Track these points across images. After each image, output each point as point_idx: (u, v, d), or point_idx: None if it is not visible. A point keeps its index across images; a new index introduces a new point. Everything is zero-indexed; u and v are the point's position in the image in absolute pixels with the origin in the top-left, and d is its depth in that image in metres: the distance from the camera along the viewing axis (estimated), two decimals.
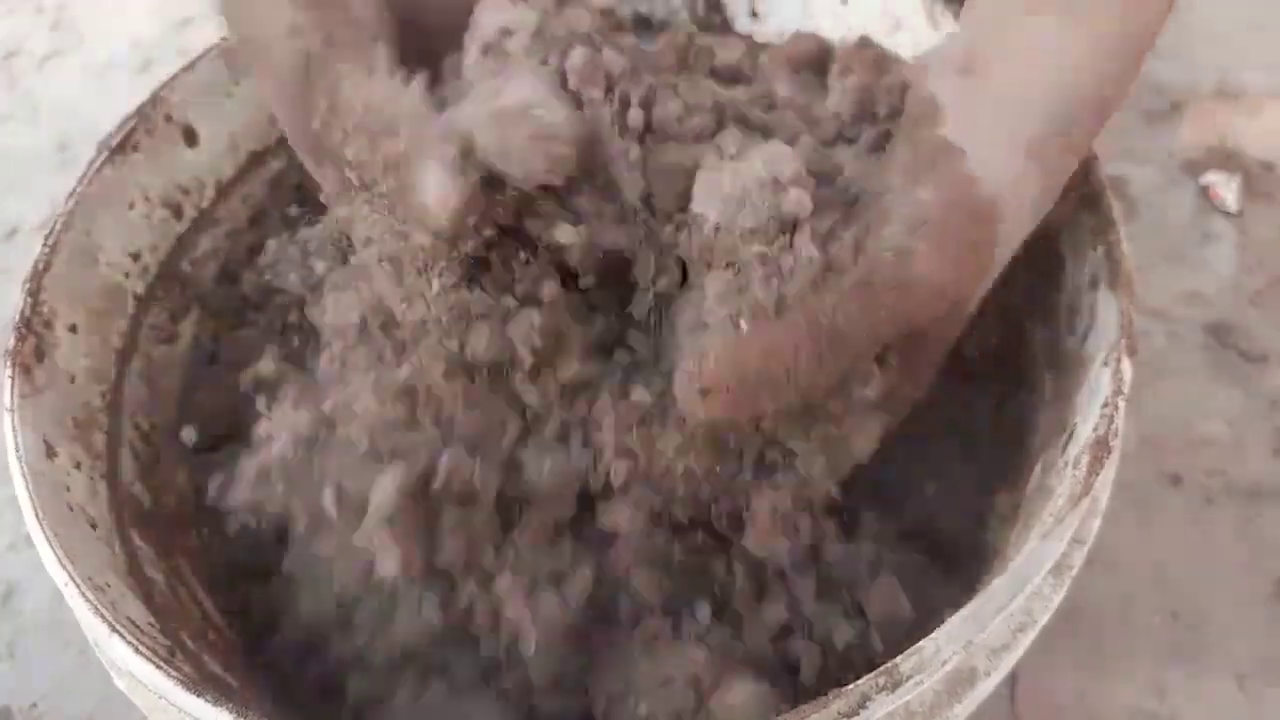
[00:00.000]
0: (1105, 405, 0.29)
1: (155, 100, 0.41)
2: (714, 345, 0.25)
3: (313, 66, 0.28)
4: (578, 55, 0.27)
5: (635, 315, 0.29)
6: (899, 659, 0.25)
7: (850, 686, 0.25)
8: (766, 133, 0.29)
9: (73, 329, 0.36)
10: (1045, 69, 0.27)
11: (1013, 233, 0.29)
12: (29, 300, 0.35)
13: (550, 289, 0.27)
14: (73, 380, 0.36)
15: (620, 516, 0.28)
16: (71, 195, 0.38)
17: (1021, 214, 0.28)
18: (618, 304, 0.29)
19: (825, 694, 0.24)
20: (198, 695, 0.26)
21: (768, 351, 0.25)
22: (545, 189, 0.26)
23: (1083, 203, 0.35)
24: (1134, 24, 0.27)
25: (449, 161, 0.25)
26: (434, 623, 0.30)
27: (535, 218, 0.27)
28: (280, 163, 0.45)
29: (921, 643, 0.26)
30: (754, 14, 0.46)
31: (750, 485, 0.29)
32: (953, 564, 0.35)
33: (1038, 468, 0.34)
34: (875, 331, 0.26)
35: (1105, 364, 0.31)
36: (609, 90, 0.27)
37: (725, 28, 0.45)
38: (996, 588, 0.27)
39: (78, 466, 0.34)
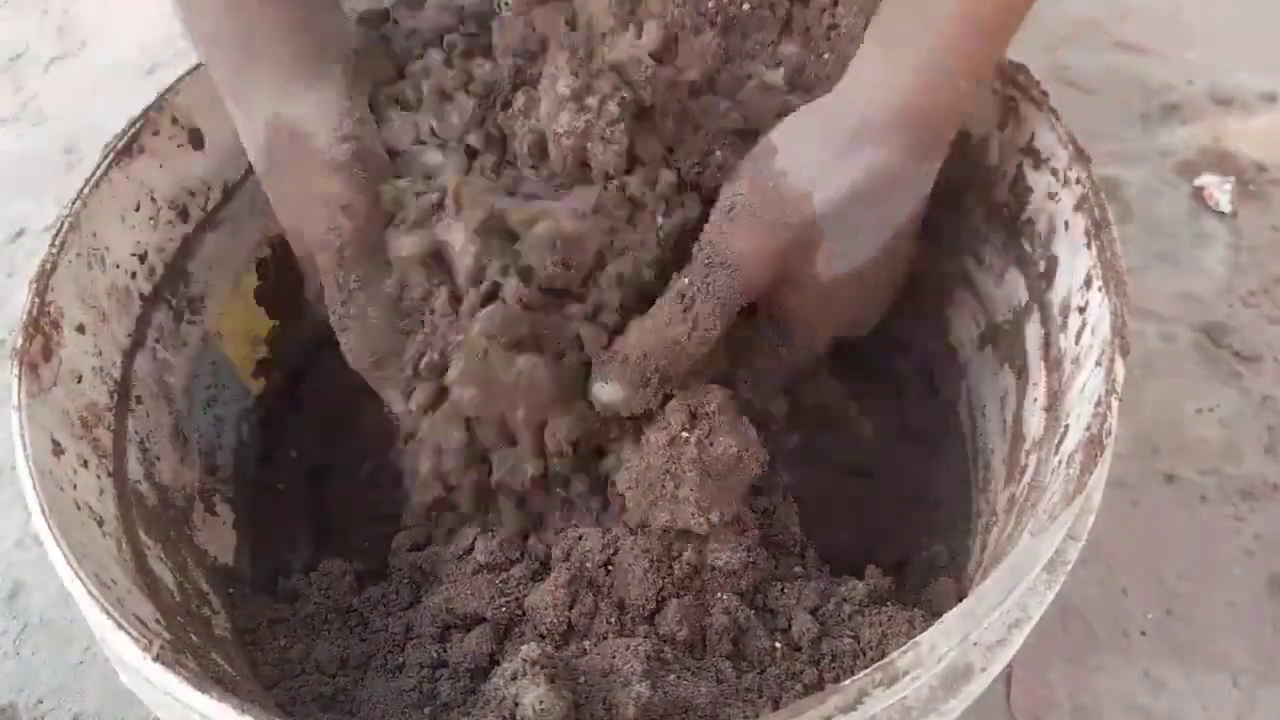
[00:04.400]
0: (1098, 404, 0.30)
1: (161, 102, 0.41)
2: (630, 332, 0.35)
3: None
4: None
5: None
6: (895, 655, 0.26)
7: (847, 683, 0.25)
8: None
9: (80, 329, 0.37)
10: (858, 85, 0.34)
11: (837, 216, 0.35)
12: (36, 300, 0.35)
13: None
14: (79, 379, 0.36)
15: None
16: (78, 197, 0.38)
17: (838, 204, 0.34)
18: None
19: None
20: (203, 692, 0.26)
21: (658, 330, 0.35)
22: None
23: (1077, 205, 0.36)
24: (939, 49, 0.32)
25: None
26: None
27: None
28: None
29: (918, 638, 0.26)
30: None
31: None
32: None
33: (1032, 465, 0.35)
34: (722, 294, 0.34)
35: (1099, 364, 0.31)
36: None
37: None
38: (991, 584, 0.27)
39: (84, 465, 0.34)
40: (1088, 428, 0.29)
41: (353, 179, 0.37)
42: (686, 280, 0.34)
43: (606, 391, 0.34)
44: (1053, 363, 0.36)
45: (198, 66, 0.43)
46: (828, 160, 0.34)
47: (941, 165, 0.35)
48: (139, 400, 0.39)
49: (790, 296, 0.37)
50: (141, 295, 0.40)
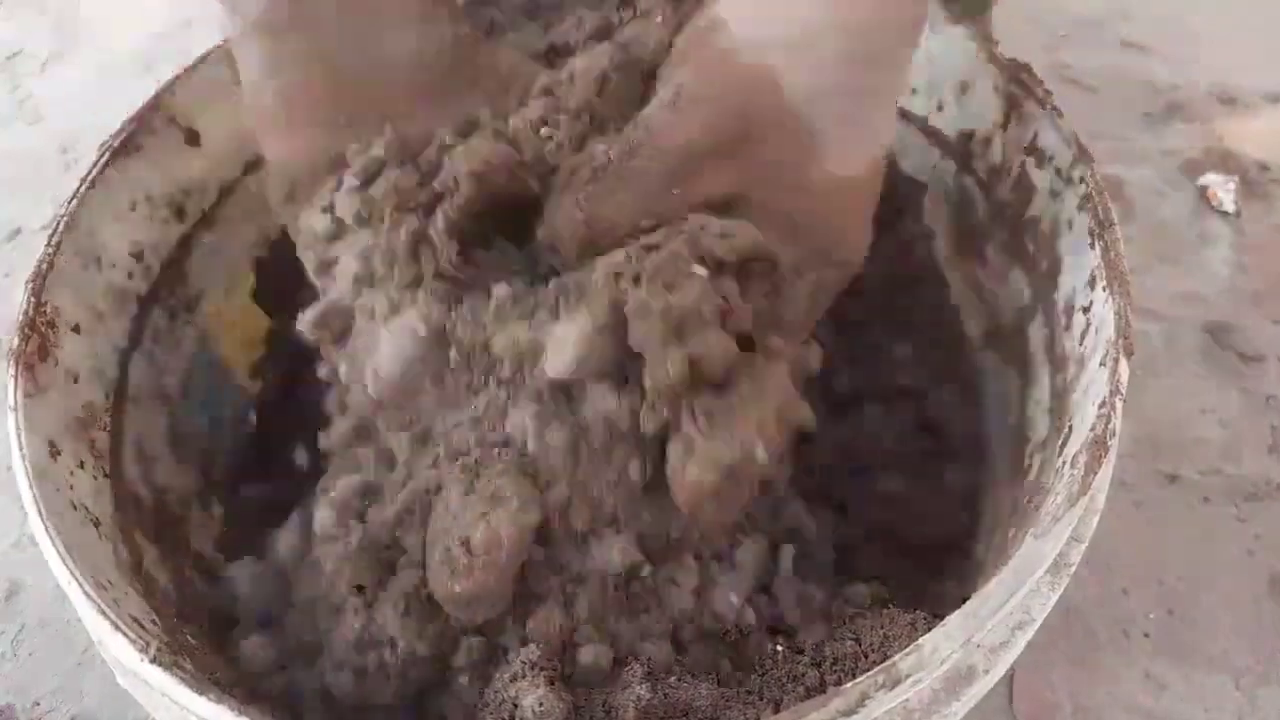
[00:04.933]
0: (1102, 405, 0.29)
1: (158, 102, 0.41)
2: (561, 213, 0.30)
3: None
4: None
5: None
6: (898, 657, 0.25)
7: (849, 685, 0.25)
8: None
9: (76, 329, 0.36)
10: None
11: (827, 93, 0.29)
12: (32, 300, 0.35)
13: None
14: (76, 380, 0.36)
15: None
16: (74, 196, 0.38)
17: (828, 78, 0.29)
18: None
19: None
20: (199, 693, 0.26)
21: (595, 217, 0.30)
22: None
23: (1080, 204, 0.35)
24: None
25: None
26: None
27: None
28: None
29: (920, 640, 0.26)
30: None
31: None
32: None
33: (1035, 466, 0.35)
34: (648, 188, 0.29)
35: (1102, 364, 0.31)
36: None
37: None
38: (995, 586, 0.27)
39: (81, 465, 0.34)
40: (1092, 428, 0.29)
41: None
42: (606, 161, 0.29)
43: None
44: (1056, 363, 0.36)
45: (194, 66, 0.42)
46: (802, 25, 0.28)
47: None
48: (135, 401, 0.39)
49: (793, 200, 0.30)
50: (138, 295, 0.40)
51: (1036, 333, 0.38)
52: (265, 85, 0.32)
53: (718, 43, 0.29)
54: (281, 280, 0.45)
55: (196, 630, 0.33)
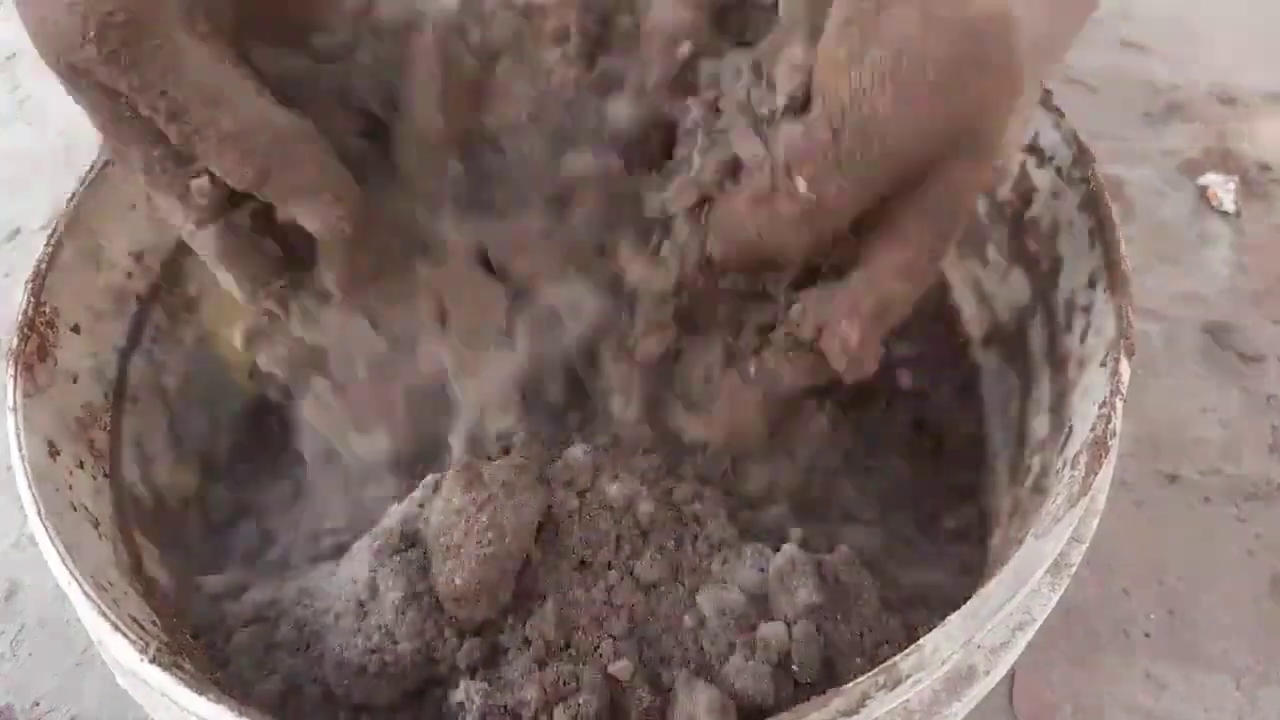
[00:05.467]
0: (1103, 405, 0.29)
1: None
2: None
3: None
4: None
5: None
6: (898, 658, 0.25)
7: (850, 685, 0.25)
8: None
9: (75, 329, 0.36)
10: None
11: (1044, 42, 0.24)
12: (32, 300, 0.35)
13: None
14: (75, 380, 0.36)
15: None
16: (74, 196, 0.38)
17: (1045, 20, 0.24)
18: None
19: None
20: (199, 693, 0.26)
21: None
22: None
23: (1081, 204, 0.35)
24: None
25: None
26: None
27: None
28: None
29: (921, 641, 0.26)
30: None
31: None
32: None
33: (1036, 467, 0.35)
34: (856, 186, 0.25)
35: (1103, 364, 0.31)
36: None
37: None
38: (995, 586, 0.27)
39: (80, 466, 0.34)
40: (1092, 429, 0.29)
41: None
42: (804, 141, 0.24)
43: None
44: (1057, 363, 0.36)
45: None
46: None
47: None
48: (135, 401, 0.39)
49: (967, 174, 0.25)
50: (137, 295, 0.40)
51: (1037, 333, 0.38)
52: None
53: None
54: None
55: (194, 629, 0.33)
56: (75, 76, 0.26)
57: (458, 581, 0.29)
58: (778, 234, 0.26)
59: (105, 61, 0.25)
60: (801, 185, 0.25)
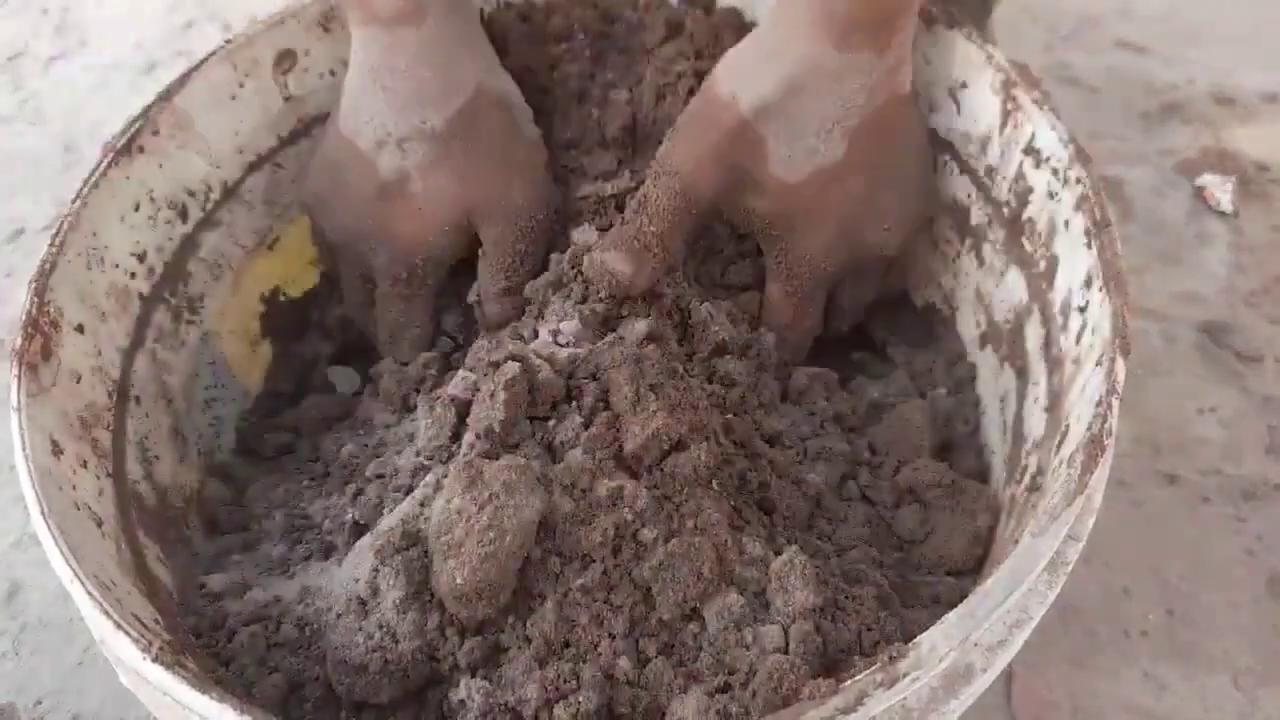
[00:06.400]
0: (1099, 404, 0.29)
1: (160, 102, 0.41)
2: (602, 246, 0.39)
3: None
4: None
5: None
6: (896, 656, 0.25)
7: (848, 683, 0.25)
8: None
9: (79, 329, 0.36)
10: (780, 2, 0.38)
11: (772, 112, 0.38)
12: (35, 300, 0.35)
13: None
14: (79, 380, 0.36)
15: None
16: (77, 196, 0.38)
17: (771, 100, 0.38)
18: None
19: None
20: (202, 692, 0.26)
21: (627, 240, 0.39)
22: None
23: (1078, 204, 0.36)
24: None
25: None
26: None
27: None
28: (280, 165, 0.46)
29: (918, 639, 0.26)
30: None
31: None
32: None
33: (1032, 465, 0.35)
34: (663, 209, 0.39)
35: (1099, 364, 0.31)
36: None
37: None
38: (992, 584, 0.27)
39: (84, 465, 0.34)
40: (1089, 428, 0.29)
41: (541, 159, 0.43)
42: (641, 190, 0.39)
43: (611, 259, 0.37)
44: (1053, 362, 0.36)
45: (196, 66, 0.43)
46: (752, 64, 0.38)
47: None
48: (138, 400, 0.39)
49: (759, 201, 0.40)
50: (141, 295, 0.40)
51: (1034, 332, 0.38)
52: None
53: (706, 84, 0.40)
54: (287, 314, 0.47)
55: (196, 628, 0.33)
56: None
57: (459, 580, 0.29)
58: None
59: (533, 232, 0.42)
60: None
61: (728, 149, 0.38)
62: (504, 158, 0.41)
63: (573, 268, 0.39)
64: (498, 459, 0.31)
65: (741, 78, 0.38)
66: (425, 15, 0.40)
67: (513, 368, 0.33)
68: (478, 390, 0.34)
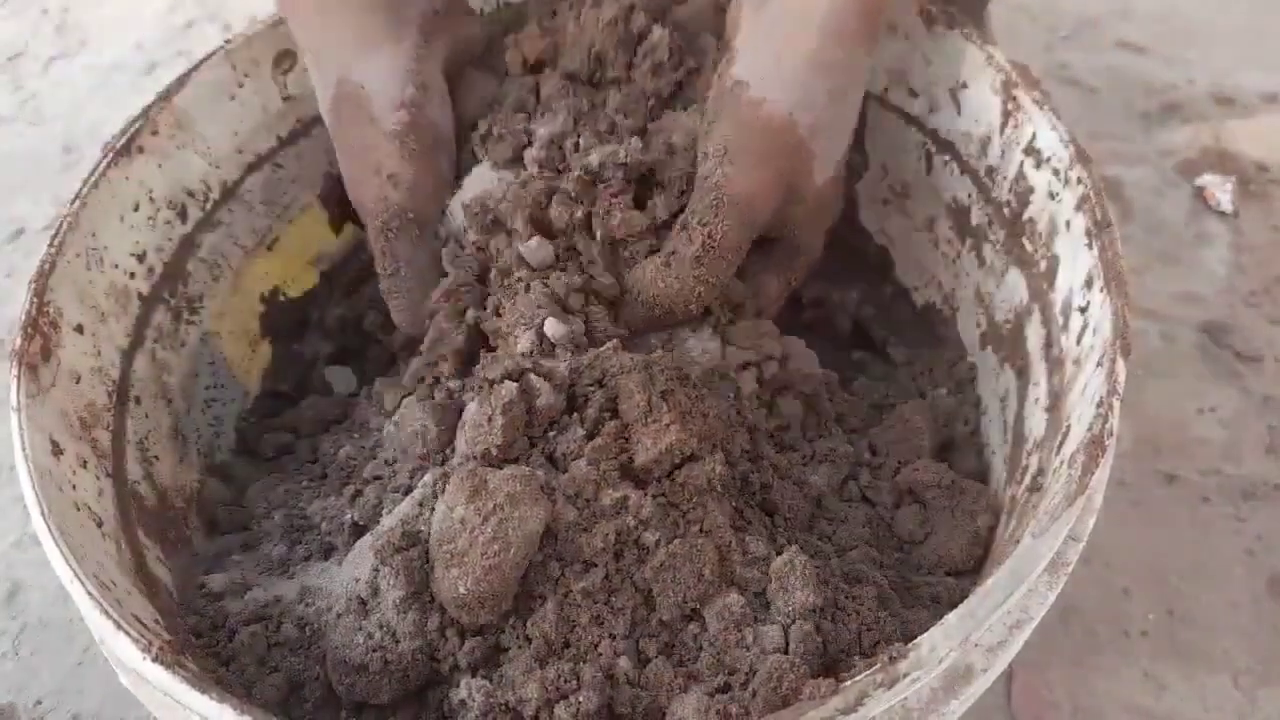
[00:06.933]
0: (1100, 405, 0.29)
1: (160, 102, 0.41)
2: (643, 277, 0.37)
3: None
4: None
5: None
6: (896, 656, 0.25)
7: (848, 684, 0.25)
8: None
9: (78, 329, 0.36)
10: None
11: (821, 126, 0.38)
12: (35, 300, 0.35)
13: None
14: (78, 380, 0.36)
15: None
16: (77, 196, 0.38)
17: (820, 114, 0.37)
18: None
19: None
20: (202, 692, 0.26)
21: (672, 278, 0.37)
22: None
23: (1078, 204, 0.36)
24: None
25: None
26: None
27: None
28: (280, 165, 0.46)
29: (918, 639, 0.26)
30: None
31: None
32: None
33: (1033, 466, 0.35)
34: (732, 244, 0.36)
35: (1100, 364, 0.31)
36: None
37: None
38: (993, 585, 0.27)
39: (84, 465, 0.34)
40: (1089, 428, 0.29)
41: (403, 149, 0.38)
42: (697, 219, 0.36)
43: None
44: (1054, 363, 0.36)
45: (196, 66, 0.43)
46: (802, 77, 0.36)
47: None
48: (138, 400, 0.39)
49: (795, 210, 0.39)
50: (140, 295, 0.40)
51: (1034, 333, 0.38)
52: None
53: (746, 97, 0.37)
54: (287, 314, 0.47)
55: (196, 628, 0.33)
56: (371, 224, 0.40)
57: (462, 590, 0.29)
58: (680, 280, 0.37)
59: (381, 232, 0.38)
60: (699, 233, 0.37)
61: (788, 170, 0.37)
62: (353, 155, 0.39)
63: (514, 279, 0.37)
64: (500, 468, 0.31)
65: (791, 93, 0.36)
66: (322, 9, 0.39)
67: (510, 390, 0.32)
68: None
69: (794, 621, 0.30)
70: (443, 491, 0.31)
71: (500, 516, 0.29)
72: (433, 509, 0.32)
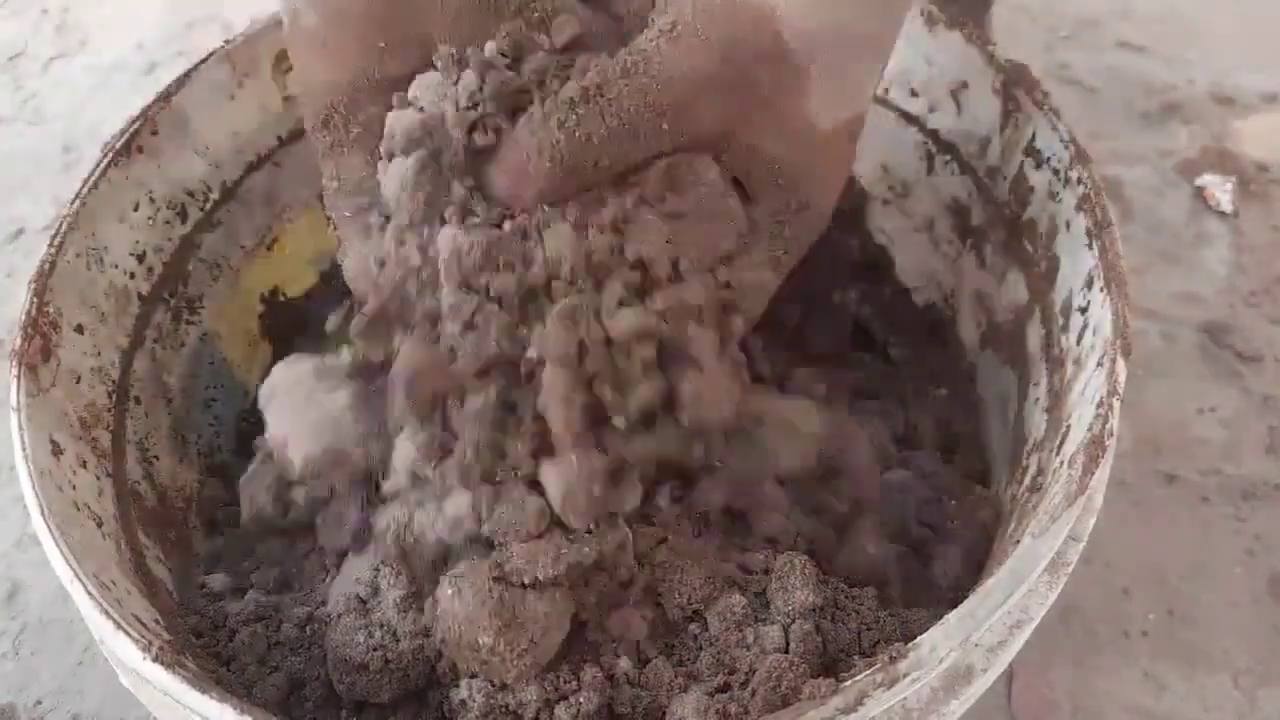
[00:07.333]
0: (1100, 405, 0.29)
1: (160, 102, 0.41)
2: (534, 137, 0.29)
3: None
4: None
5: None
6: (896, 656, 0.25)
7: (848, 684, 0.25)
8: None
9: (78, 329, 0.36)
10: None
11: (827, 40, 0.30)
12: (35, 301, 0.35)
13: None
14: (78, 380, 0.36)
15: None
16: (77, 197, 0.38)
17: (829, 23, 0.29)
18: None
19: None
20: (202, 692, 0.26)
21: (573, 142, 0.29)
22: None
23: (1078, 205, 0.36)
24: None
25: None
26: None
27: None
28: (279, 165, 0.46)
29: (919, 639, 0.26)
30: None
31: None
32: None
33: (1033, 466, 0.35)
34: (657, 123, 0.29)
35: (1100, 364, 0.31)
36: None
37: None
38: (993, 585, 0.27)
39: (84, 465, 0.34)
40: (1089, 428, 0.29)
41: (329, 54, 0.32)
42: (595, 76, 0.29)
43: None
44: (1054, 363, 0.36)
45: (196, 66, 0.43)
46: None
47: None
48: (138, 400, 0.39)
49: (776, 145, 0.31)
50: (140, 295, 0.40)
51: (1034, 333, 0.38)
52: (308, 4, 0.32)
53: None
54: (285, 313, 0.46)
55: (196, 628, 0.33)
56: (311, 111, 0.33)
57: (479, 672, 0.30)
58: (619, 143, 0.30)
59: (323, 124, 0.33)
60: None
61: (755, 81, 0.29)
62: None
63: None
64: (529, 586, 0.29)
65: None
66: None
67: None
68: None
69: (794, 621, 0.30)
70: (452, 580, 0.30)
71: (533, 640, 0.29)
72: (435, 509, 0.31)
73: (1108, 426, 0.29)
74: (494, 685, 0.30)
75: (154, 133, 0.41)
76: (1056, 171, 0.37)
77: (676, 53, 0.29)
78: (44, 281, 0.35)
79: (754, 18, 0.29)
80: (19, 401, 0.33)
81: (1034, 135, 0.38)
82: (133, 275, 0.40)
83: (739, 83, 0.29)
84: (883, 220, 0.47)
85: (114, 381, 0.38)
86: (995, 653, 0.28)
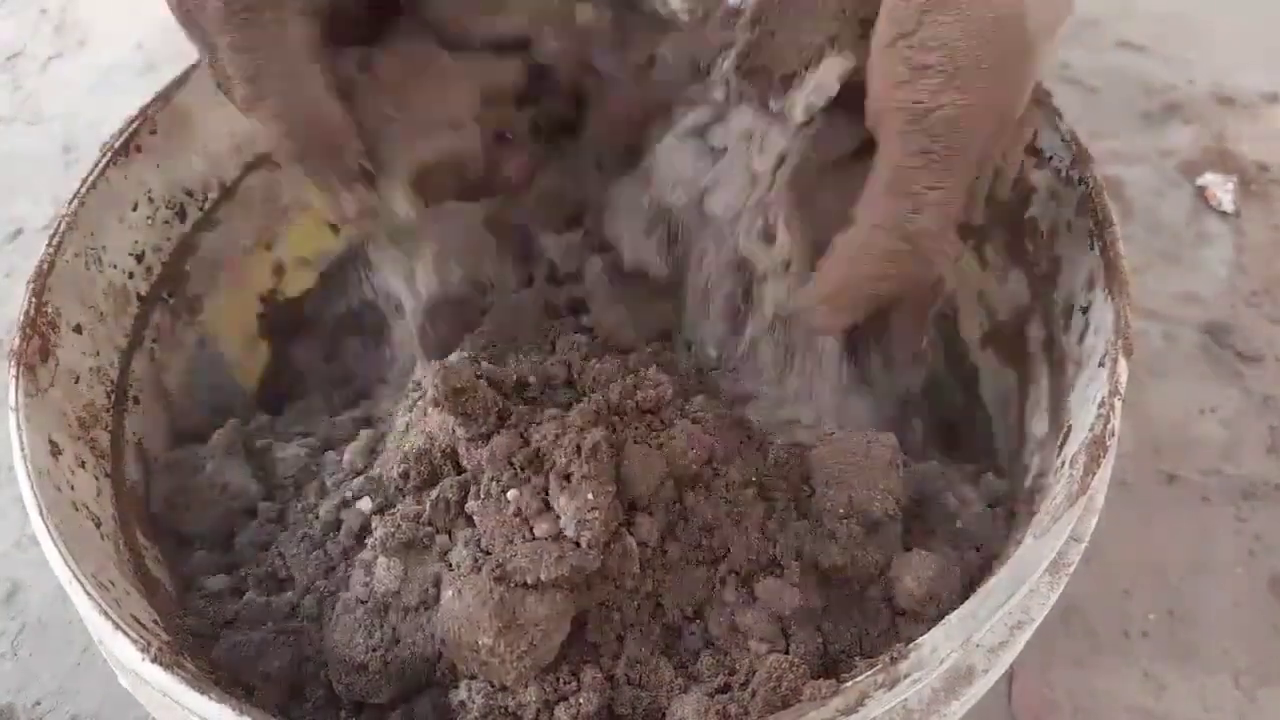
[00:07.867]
0: (1101, 405, 0.29)
1: (158, 102, 0.41)
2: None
3: None
4: None
5: None
6: (897, 657, 0.25)
7: (849, 684, 0.25)
8: None
9: (77, 329, 0.36)
10: None
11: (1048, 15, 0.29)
12: (33, 300, 0.35)
13: None
14: (77, 380, 0.36)
15: None
16: (75, 196, 0.38)
17: None
18: None
19: None
20: (201, 693, 0.26)
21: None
22: None
23: (1079, 205, 0.36)
24: None
25: None
26: None
27: None
28: (278, 165, 0.45)
29: (919, 640, 0.26)
30: None
31: None
32: None
33: (1034, 466, 0.35)
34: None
35: (1101, 364, 0.31)
36: None
37: None
38: (994, 585, 0.27)
39: (82, 465, 0.34)
40: (1091, 428, 0.29)
41: None
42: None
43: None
44: (1055, 363, 0.36)
45: (194, 66, 0.42)
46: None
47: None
48: (136, 400, 0.39)
49: (977, 33, 0.28)
50: (139, 295, 0.40)
51: (1036, 333, 0.38)
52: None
53: None
54: (284, 313, 0.46)
55: (195, 629, 0.33)
56: (190, 23, 0.30)
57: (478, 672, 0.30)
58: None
59: (224, 18, 0.29)
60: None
61: (1016, 87, 0.29)
62: None
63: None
64: (529, 588, 0.29)
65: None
66: None
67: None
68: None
69: (794, 621, 0.30)
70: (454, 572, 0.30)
71: (533, 641, 0.29)
72: (439, 505, 0.31)
73: (1109, 427, 0.29)
74: (493, 686, 0.30)
75: (153, 132, 0.41)
76: (1058, 171, 0.37)
77: (966, 99, 0.27)
78: (43, 281, 0.35)
79: (1011, 14, 0.28)
80: (18, 401, 0.33)
81: (1036, 135, 0.38)
82: (131, 275, 0.40)
83: (1004, 88, 0.29)
84: None
85: (113, 381, 0.38)
86: (996, 653, 0.28)
